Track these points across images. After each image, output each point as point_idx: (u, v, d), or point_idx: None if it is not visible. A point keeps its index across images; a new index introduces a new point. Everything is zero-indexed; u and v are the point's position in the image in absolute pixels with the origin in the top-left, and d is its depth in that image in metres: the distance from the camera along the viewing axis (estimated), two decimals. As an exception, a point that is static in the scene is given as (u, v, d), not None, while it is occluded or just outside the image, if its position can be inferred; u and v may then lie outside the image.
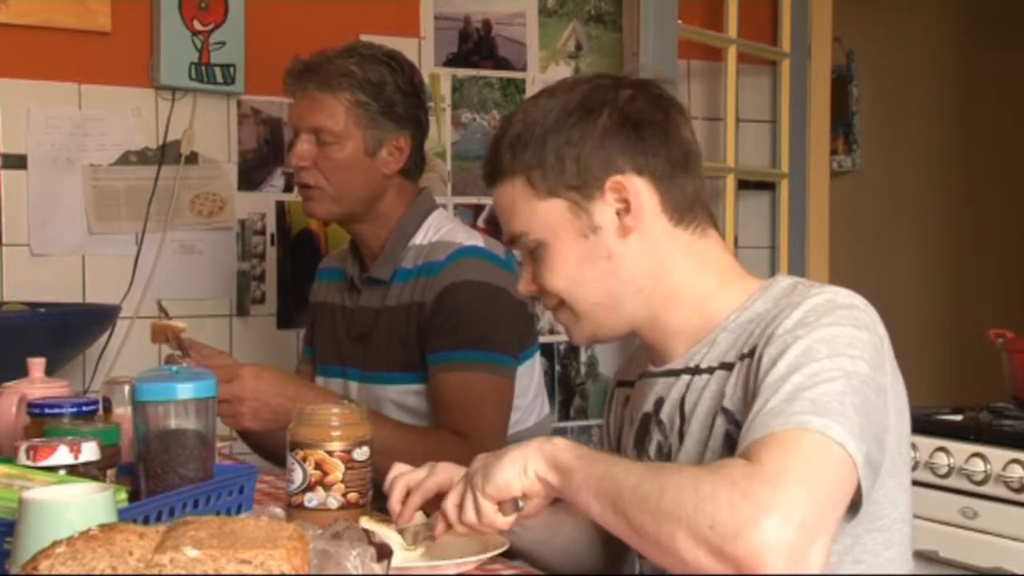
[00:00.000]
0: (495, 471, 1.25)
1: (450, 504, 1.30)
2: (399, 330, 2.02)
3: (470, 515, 1.27)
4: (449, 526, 1.31)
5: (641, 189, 1.32)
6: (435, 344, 1.96)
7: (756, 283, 1.37)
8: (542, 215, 1.33)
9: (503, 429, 1.96)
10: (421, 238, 2.07)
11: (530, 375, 2.10)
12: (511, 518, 1.27)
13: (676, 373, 1.37)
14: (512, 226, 1.37)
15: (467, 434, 1.86)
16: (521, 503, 1.25)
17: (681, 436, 1.35)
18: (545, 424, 2.19)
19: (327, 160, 2.03)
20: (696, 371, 1.35)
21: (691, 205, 1.35)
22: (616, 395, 1.56)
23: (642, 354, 1.49)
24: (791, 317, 1.24)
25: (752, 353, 1.26)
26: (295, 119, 2.07)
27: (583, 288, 1.34)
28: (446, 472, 1.41)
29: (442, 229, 2.06)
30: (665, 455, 1.37)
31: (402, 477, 1.42)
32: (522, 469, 1.24)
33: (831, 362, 1.17)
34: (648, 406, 1.41)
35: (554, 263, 1.34)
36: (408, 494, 1.41)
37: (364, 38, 2.81)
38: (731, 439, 1.26)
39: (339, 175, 2.03)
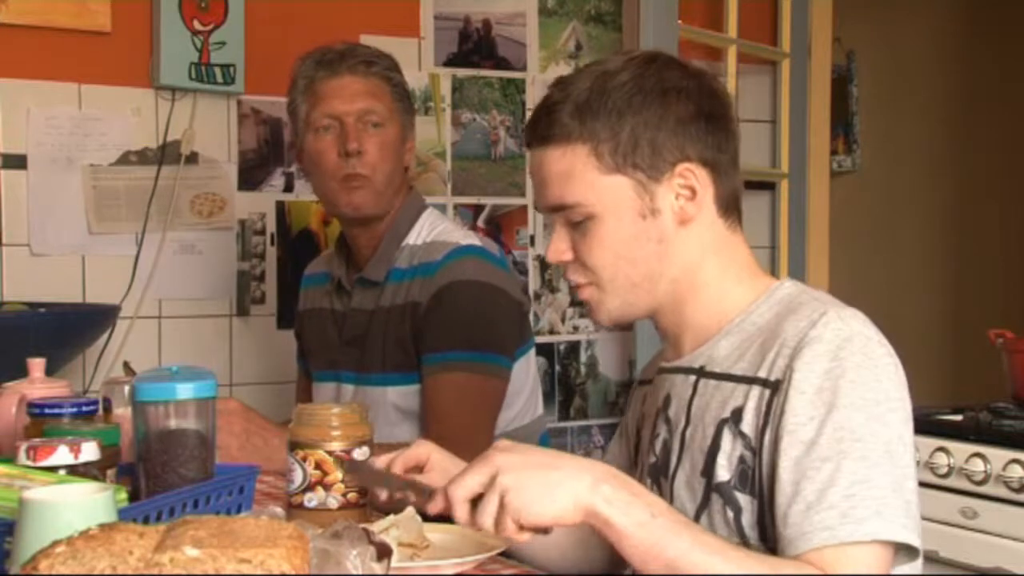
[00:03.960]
0: (534, 499, 1.14)
1: (461, 497, 1.17)
2: (395, 331, 1.99)
3: (488, 523, 1.15)
4: (446, 513, 1.21)
5: (705, 179, 1.34)
6: (431, 344, 1.93)
7: (765, 283, 1.38)
8: (603, 189, 1.31)
9: (491, 432, 1.94)
10: (415, 238, 2.03)
11: (525, 372, 2.08)
12: (528, 535, 1.17)
13: (684, 371, 1.38)
14: (563, 194, 1.33)
15: (455, 438, 1.72)
16: (549, 529, 1.17)
17: (683, 438, 1.36)
18: (539, 423, 2.17)
19: (376, 144, 1.98)
20: (702, 373, 1.35)
21: (734, 201, 1.38)
22: (636, 394, 1.57)
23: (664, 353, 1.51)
24: (814, 367, 1.22)
25: (776, 386, 1.25)
26: (337, 106, 1.97)
27: (628, 267, 1.33)
28: (425, 447, 1.45)
29: (436, 228, 2.03)
30: (667, 452, 1.38)
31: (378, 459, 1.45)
32: (572, 505, 1.14)
33: (873, 440, 1.19)
34: (659, 401, 1.42)
35: (604, 238, 1.32)
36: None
37: (364, 38, 2.82)
38: (745, 463, 1.26)
39: (385, 162, 1.99)
